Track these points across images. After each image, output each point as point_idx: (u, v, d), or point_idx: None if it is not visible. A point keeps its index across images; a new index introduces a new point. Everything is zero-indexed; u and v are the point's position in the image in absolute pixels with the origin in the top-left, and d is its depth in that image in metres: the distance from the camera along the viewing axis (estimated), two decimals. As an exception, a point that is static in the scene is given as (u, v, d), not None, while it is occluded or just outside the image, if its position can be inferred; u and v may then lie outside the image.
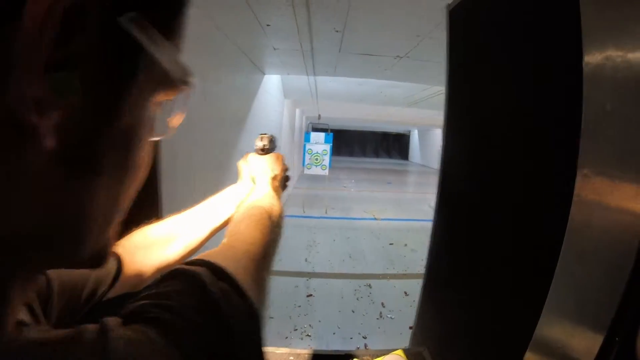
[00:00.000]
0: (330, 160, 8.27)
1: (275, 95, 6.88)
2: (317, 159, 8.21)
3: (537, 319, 0.81)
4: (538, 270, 0.97)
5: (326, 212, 8.50)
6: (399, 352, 1.52)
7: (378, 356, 1.49)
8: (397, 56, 3.91)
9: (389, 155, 26.00)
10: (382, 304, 4.43)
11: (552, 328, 0.79)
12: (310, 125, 12.40)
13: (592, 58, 0.69)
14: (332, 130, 8.97)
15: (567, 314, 0.75)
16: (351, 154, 24.37)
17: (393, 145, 26.06)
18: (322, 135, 8.23)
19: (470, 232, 1.39)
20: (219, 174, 3.36)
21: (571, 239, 0.73)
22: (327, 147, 8.17)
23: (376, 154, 25.74)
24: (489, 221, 1.23)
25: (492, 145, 1.25)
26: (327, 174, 8.29)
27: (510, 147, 1.14)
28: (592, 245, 0.69)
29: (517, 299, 1.02)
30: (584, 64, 0.70)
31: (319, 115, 10.82)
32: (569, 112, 0.75)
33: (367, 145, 25.48)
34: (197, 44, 2.70)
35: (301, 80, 6.36)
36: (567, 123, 0.75)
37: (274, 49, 3.96)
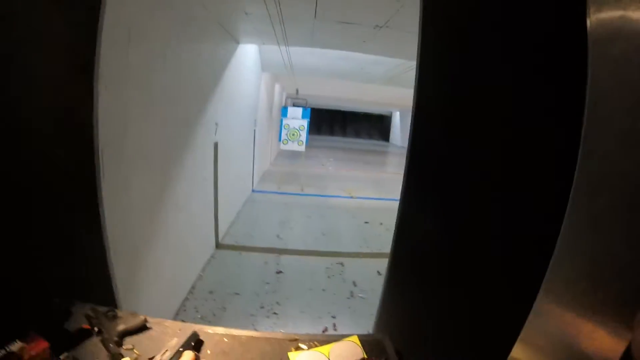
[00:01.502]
0: (308, 137, 8.12)
1: (252, 67, 6.61)
2: (294, 135, 8.05)
3: (505, 305, 0.70)
4: (506, 258, 0.87)
5: (302, 190, 8.36)
6: (354, 338, 1.39)
7: (329, 342, 1.36)
8: (377, 26, 3.72)
9: (369, 136, 25.90)
10: (354, 283, 4.35)
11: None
12: (291, 102, 12.18)
13: None
14: (313, 109, 8.89)
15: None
16: (331, 133, 24.18)
17: (374, 126, 25.93)
18: (299, 110, 8.05)
19: (435, 216, 1.27)
20: (177, 154, 3.17)
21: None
22: (305, 123, 8.01)
23: (357, 134, 25.60)
24: (456, 205, 1.12)
25: (462, 122, 1.12)
26: (304, 149, 8.12)
27: (481, 124, 1.02)
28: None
29: (484, 286, 0.91)
30: None
31: (297, 90, 10.59)
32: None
33: (348, 126, 25.31)
34: (158, 3, 2.47)
35: (279, 53, 6.11)
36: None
37: (246, 13, 3.72)
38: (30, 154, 1.28)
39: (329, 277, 4.48)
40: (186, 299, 3.65)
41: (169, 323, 1.38)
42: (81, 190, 1.49)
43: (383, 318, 1.78)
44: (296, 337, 1.39)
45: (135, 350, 1.25)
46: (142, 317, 1.37)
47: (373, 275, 4.55)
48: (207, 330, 1.39)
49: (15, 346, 1.06)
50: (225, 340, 1.35)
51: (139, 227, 2.52)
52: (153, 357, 1.15)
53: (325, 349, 1.33)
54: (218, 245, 4.91)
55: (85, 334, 1.27)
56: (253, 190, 7.89)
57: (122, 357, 1.20)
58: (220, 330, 1.40)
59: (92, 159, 1.46)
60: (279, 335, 1.40)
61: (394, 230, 1.61)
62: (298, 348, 1.34)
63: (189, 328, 1.34)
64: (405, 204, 1.53)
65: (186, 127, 3.37)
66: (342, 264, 4.83)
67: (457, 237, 1.10)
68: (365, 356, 1.31)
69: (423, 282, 1.32)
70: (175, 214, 3.21)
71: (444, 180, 1.25)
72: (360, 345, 1.36)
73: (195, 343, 1.28)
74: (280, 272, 4.45)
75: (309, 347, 1.34)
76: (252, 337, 1.38)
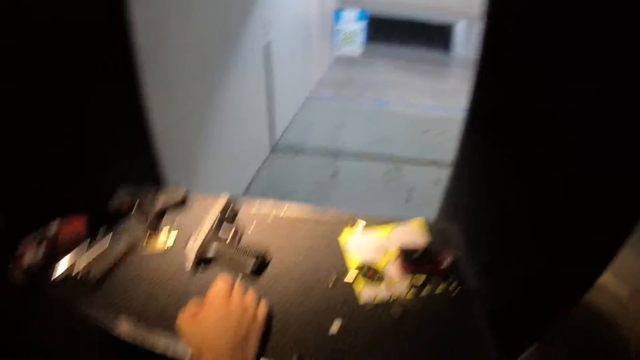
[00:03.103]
0: (365, 40, 7.53)
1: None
2: (349, 39, 7.52)
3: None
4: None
5: (359, 96, 7.99)
6: (419, 221, 1.23)
7: (389, 223, 1.21)
8: None
9: (430, 46, 24.24)
10: (411, 189, 4.18)
11: None
12: (345, 6, 11.37)
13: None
14: (370, 18, 8.01)
15: None
16: (389, 42, 22.79)
17: (435, 36, 24.12)
18: (353, 13, 7.41)
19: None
20: (225, 53, 2.95)
21: None
22: (360, 26, 7.39)
23: (417, 44, 24.00)
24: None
25: None
26: (360, 54, 7.61)
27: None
28: None
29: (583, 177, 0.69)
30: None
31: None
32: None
33: (407, 35, 23.68)
34: None
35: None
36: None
37: None
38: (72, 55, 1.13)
39: (385, 182, 4.33)
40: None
41: (212, 198, 1.27)
42: (124, 85, 1.36)
43: (446, 209, 1.60)
44: (353, 217, 1.25)
45: (174, 225, 1.16)
46: (182, 191, 1.28)
47: (430, 184, 4.35)
48: (252, 205, 1.28)
49: (53, 226, 1.02)
50: (272, 217, 1.24)
51: (188, 127, 2.42)
52: (189, 238, 1.05)
53: (385, 230, 1.19)
54: (273, 149, 4.85)
55: (126, 212, 1.20)
56: (308, 96, 7.63)
57: (158, 233, 1.12)
58: (267, 205, 1.29)
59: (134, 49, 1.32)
60: (333, 213, 1.26)
61: (469, 99, 1.36)
62: (354, 227, 1.20)
63: (230, 201, 1.23)
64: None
65: (234, 26, 3.13)
66: (399, 169, 4.64)
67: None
68: (429, 242, 1.15)
69: (500, 166, 1.10)
70: (226, 116, 3.09)
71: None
72: (427, 229, 1.20)
73: (230, 213, 1.18)
74: (335, 174, 4.35)
75: (366, 227, 1.20)
76: (302, 216, 1.26)
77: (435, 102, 8.66)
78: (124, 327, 0.84)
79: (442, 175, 4.42)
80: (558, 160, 0.77)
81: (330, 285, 0.98)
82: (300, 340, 0.83)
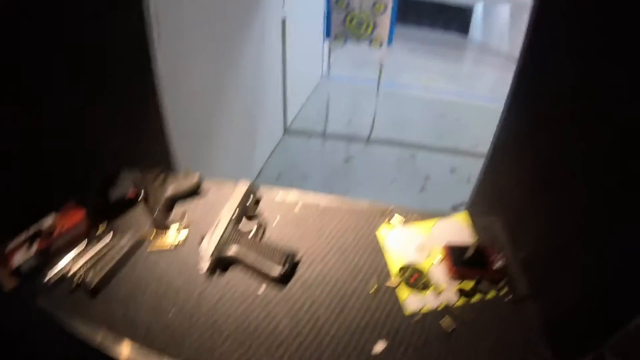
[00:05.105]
0: (392, 29, 3.99)
1: None
2: (360, 24, 3.90)
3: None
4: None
5: (375, 77, 7.70)
6: (463, 216, 1.08)
7: (431, 217, 1.06)
8: None
9: (447, 28, 23.69)
10: (426, 177, 4.01)
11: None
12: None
13: None
14: None
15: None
16: (405, 22, 22.25)
17: (453, 18, 23.55)
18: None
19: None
20: (240, 28, 2.77)
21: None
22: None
23: (434, 25, 23.46)
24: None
25: None
26: (385, 56, 4.28)
27: None
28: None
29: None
30: None
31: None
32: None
33: (424, 15, 23.13)
34: None
35: None
36: None
37: None
38: (83, 17, 0.99)
39: (399, 168, 4.16)
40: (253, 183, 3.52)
41: (230, 185, 1.13)
42: (136, 59, 1.22)
43: (480, 198, 1.46)
44: (388, 208, 1.10)
45: (186, 217, 1.02)
46: (195, 177, 1.13)
47: (445, 172, 4.17)
48: (276, 195, 1.13)
49: (47, 221, 0.89)
50: (298, 208, 1.09)
51: (202, 103, 2.28)
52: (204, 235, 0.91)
53: (426, 225, 1.04)
54: (286, 131, 4.69)
55: (131, 202, 1.06)
56: (323, 75, 7.39)
57: (168, 225, 0.98)
58: (292, 195, 1.14)
59: (145, 26, 1.19)
60: (365, 204, 1.12)
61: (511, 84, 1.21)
62: (390, 223, 1.05)
63: (251, 189, 1.08)
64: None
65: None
66: (413, 156, 4.46)
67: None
68: (478, 240, 1.01)
69: (543, 159, 0.95)
70: (240, 95, 2.94)
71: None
72: (471, 225, 1.06)
73: (252, 204, 1.04)
74: (349, 159, 4.19)
75: (405, 222, 1.06)
76: (331, 207, 1.11)
77: (452, 86, 8.39)
78: (126, 352, 0.70)
79: (458, 164, 4.26)
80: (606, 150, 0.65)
81: (372, 292, 0.84)
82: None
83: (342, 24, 4.04)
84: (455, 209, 3.26)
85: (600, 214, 0.69)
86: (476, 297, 0.86)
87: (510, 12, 14.31)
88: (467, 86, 8.55)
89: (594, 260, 0.69)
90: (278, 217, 1.04)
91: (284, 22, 3.83)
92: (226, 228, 0.90)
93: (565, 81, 0.90)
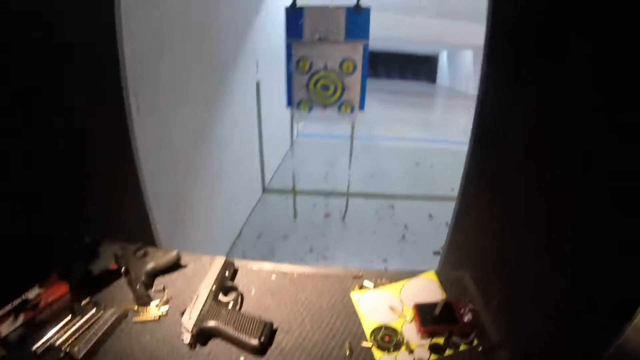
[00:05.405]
0: (364, 90, 3.49)
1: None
2: (327, 86, 3.42)
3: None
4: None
5: (348, 132, 7.94)
6: (430, 275, 1.15)
7: (399, 279, 1.13)
8: None
9: (415, 77, 24.69)
10: (405, 225, 4.10)
11: None
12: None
13: None
14: None
15: None
16: (375, 75, 23.14)
17: (420, 67, 24.63)
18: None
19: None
20: (217, 92, 2.91)
21: None
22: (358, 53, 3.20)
23: (402, 76, 24.43)
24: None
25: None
26: (355, 120, 3.77)
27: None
28: None
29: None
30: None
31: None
32: None
33: (393, 67, 24.13)
34: None
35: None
36: None
37: None
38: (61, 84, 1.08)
39: (379, 219, 4.25)
40: (234, 243, 3.54)
41: (207, 259, 1.18)
42: (113, 126, 1.30)
43: (452, 255, 1.53)
44: (359, 273, 1.16)
45: (166, 292, 1.07)
46: (174, 253, 1.17)
47: (424, 219, 4.27)
48: (252, 267, 1.19)
49: (33, 292, 0.93)
50: (274, 277, 1.15)
51: (180, 166, 2.34)
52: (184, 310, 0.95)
53: (396, 287, 1.10)
54: (265, 189, 4.76)
55: (112, 276, 1.10)
56: (297, 134, 7.61)
57: (150, 300, 1.02)
58: (267, 266, 1.20)
59: (121, 92, 1.28)
60: (337, 270, 1.18)
61: (469, 144, 1.32)
62: (362, 287, 1.11)
63: (228, 263, 1.14)
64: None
65: (226, 65, 3.10)
66: (392, 206, 4.57)
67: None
68: (445, 297, 1.07)
69: (507, 207, 1.04)
70: (219, 155, 3.01)
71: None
72: (439, 283, 1.12)
73: (229, 277, 1.10)
74: (329, 215, 4.26)
75: (376, 285, 1.12)
76: (305, 274, 1.17)
77: (424, 133, 8.70)
78: None
79: (436, 209, 4.38)
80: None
81: (347, 354, 0.89)
82: None
83: (304, 87, 3.47)
84: (436, 254, 3.34)
85: (564, 257, 0.76)
86: (448, 352, 0.91)
87: (473, 56, 15.07)
88: (439, 132, 8.88)
89: (561, 298, 0.75)
90: (255, 286, 1.09)
91: (258, 85, 4.00)
92: (205, 301, 0.94)
93: (518, 126, 1.00)
